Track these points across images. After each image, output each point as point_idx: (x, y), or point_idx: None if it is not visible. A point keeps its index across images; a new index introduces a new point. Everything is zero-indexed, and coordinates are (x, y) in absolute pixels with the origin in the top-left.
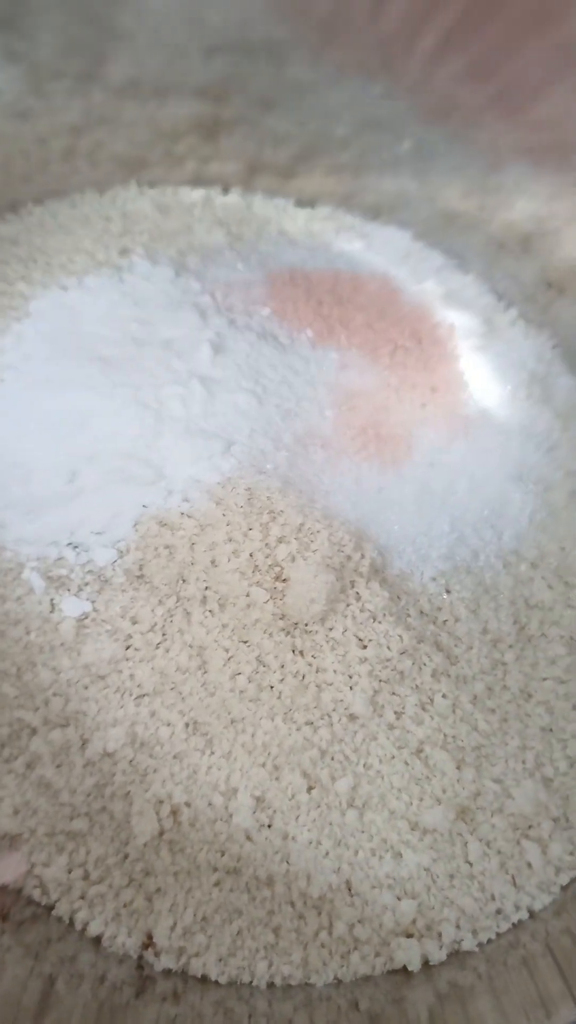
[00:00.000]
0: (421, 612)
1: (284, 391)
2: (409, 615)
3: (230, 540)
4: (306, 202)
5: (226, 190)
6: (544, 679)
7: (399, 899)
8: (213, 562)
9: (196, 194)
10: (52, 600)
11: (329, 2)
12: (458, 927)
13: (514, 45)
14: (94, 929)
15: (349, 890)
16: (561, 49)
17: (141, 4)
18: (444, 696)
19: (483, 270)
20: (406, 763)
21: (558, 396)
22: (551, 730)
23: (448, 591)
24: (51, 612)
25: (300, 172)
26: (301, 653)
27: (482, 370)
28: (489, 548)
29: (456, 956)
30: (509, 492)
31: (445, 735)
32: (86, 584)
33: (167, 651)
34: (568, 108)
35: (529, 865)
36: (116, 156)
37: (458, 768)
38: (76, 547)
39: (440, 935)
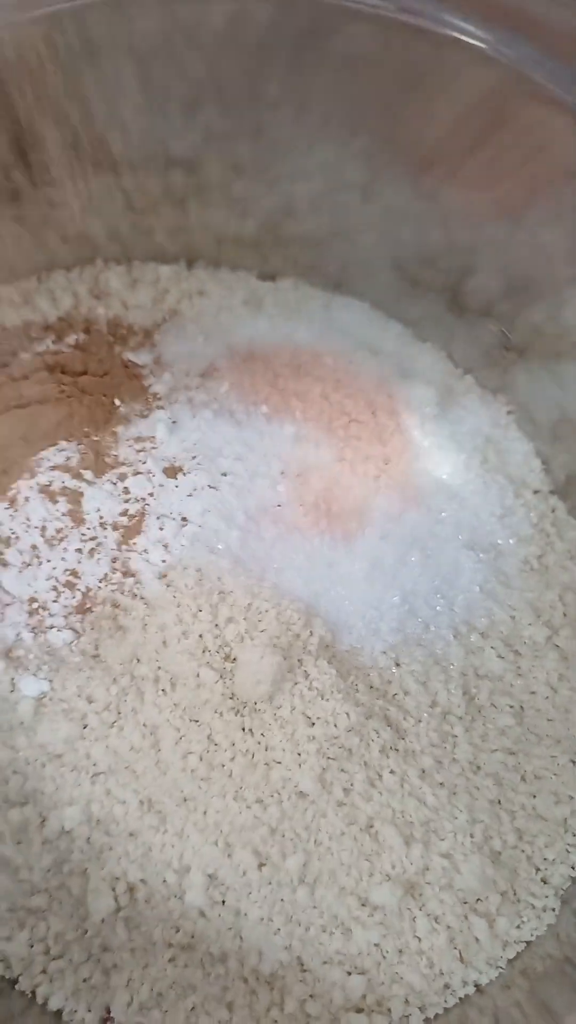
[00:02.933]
0: (371, 686)
1: (238, 467)
2: (358, 690)
3: (180, 622)
4: (268, 275)
5: (191, 264)
6: (493, 751)
7: (349, 975)
8: (164, 643)
9: (163, 270)
10: (12, 679)
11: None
12: (407, 1002)
13: None
14: (55, 1003)
15: (300, 966)
16: None
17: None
18: (392, 772)
19: (441, 337)
20: (355, 839)
21: (512, 461)
22: (499, 802)
23: (398, 664)
24: (11, 692)
25: (265, 243)
26: (251, 732)
27: (436, 439)
28: (440, 619)
29: None
30: (461, 561)
31: (394, 810)
32: (44, 664)
33: (121, 730)
34: None
35: (476, 940)
36: (85, 232)
37: (406, 844)
38: (34, 628)
39: (390, 1010)
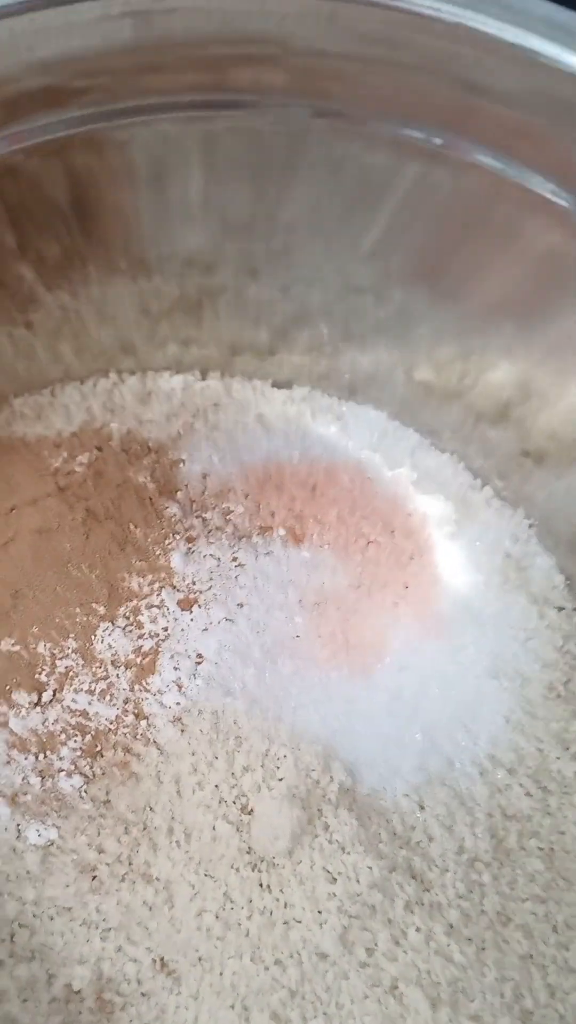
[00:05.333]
0: (393, 834)
1: (254, 600)
2: (381, 840)
3: (195, 771)
4: (283, 383)
5: (204, 375)
6: (523, 900)
7: None
8: (178, 793)
9: (175, 380)
10: (18, 826)
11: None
12: None
13: None
14: None
15: None
16: None
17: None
18: (418, 929)
19: (458, 446)
20: (379, 1002)
21: (534, 579)
22: (530, 956)
23: (422, 807)
24: (17, 839)
25: (279, 350)
26: (268, 888)
27: (456, 559)
28: (464, 754)
29: None
30: (484, 690)
31: (419, 970)
32: (52, 811)
33: (133, 884)
34: None
35: None
36: (99, 342)
37: (433, 1006)
38: (42, 772)
39: None
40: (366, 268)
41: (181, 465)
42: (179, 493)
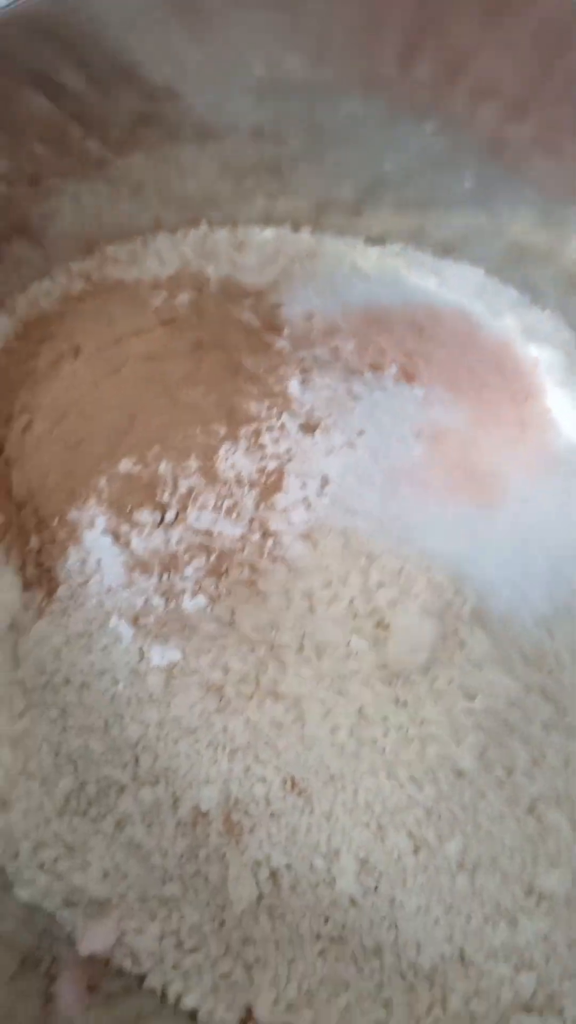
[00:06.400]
0: (525, 659)
1: (372, 428)
2: (514, 662)
3: (328, 585)
4: (376, 240)
5: (296, 228)
6: None
7: (517, 970)
8: (311, 609)
9: (268, 232)
10: (140, 649)
11: (359, 55)
12: None
13: (544, 79)
14: (189, 1002)
15: (463, 960)
16: None
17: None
18: (556, 750)
19: (559, 305)
20: (519, 822)
21: None
22: None
23: (552, 635)
24: (139, 662)
25: (367, 209)
26: (404, 705)
27: (568, 404)
28: None
29: None
30: None
31: (559, 792)
32: (175, 632)
33: (261, 702)
34: None
35: None
36: (185, 196)
37: (574, 828)
38: (164, 594)
39: (562, 1010)
40: (435, 144)
41: (282, 308)
42: (285, 330)
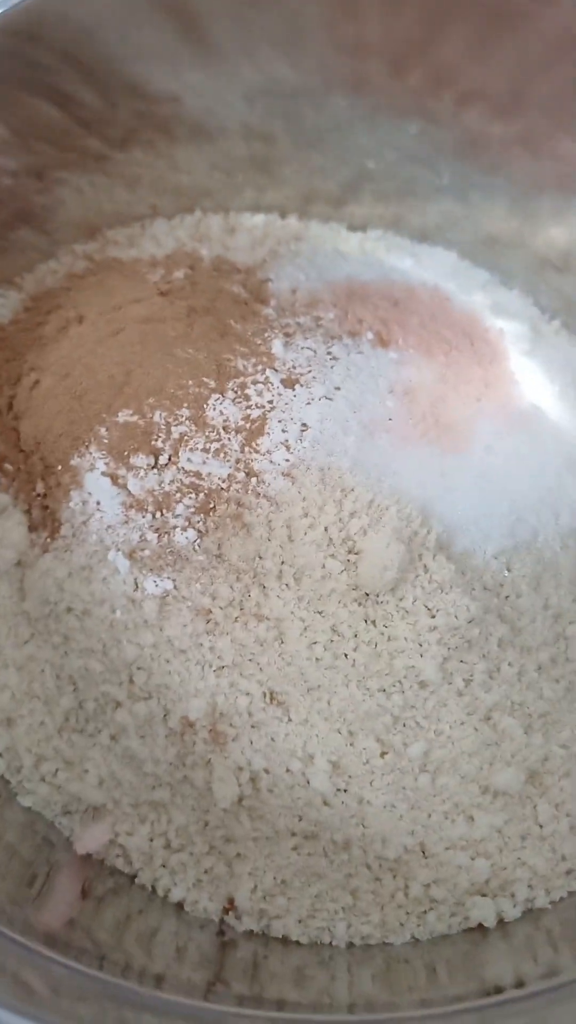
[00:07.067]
0: (485, 587)
1: (349, 384)
2: (474, 588)
3: (306, 515)
4: (358, 227)
5: (284, 216)
6: None
7: (473, 859)
8: (289, 537)
9: (257, 218)
10: (136, 580)
11: (350, 65)
12: (530, 886)
13: (532, 86)
14: (176, 895)
15: (424, 852)
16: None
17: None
18: (510, 664)
19: (527, 286)
20: (476, 728)
21: None
22: None
23: (509, 569)
24: (135, 591)
25: (350, 200)
26: (374, 623)
27: (531, 370)
28: (548, 529)
29: (530, 914)
30: (564, 479)
31: (513, 702)
32: (168, 564)
33: (246, 623)
34: None
35: None
36: (179, 188)
37: (526, 733)
38: (158, 530)
39: (513, 895)
40: (416, 144)
41: (269, 283)
42: (272, 301)
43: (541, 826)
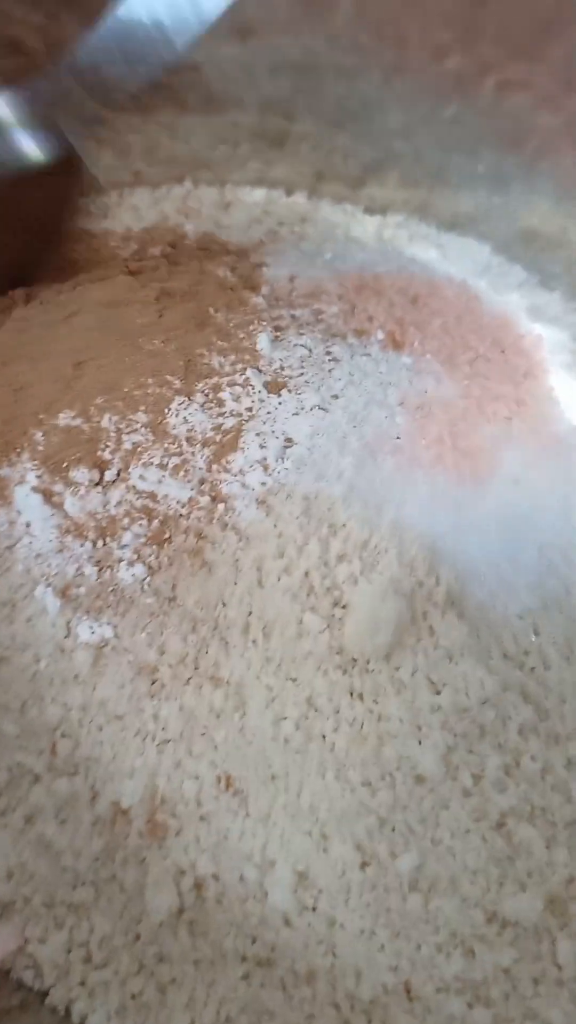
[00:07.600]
0: (505, 656)
1: (350, 392)
2: (491, 656)
3: (281, 555)
4: (376, 210)
5: (290, 192)
6: None
7: (470, 1007)
8: (259, 582)
9: (258, 193)
10: (68, 623)
11: (391, 45)
12: None
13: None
14: (94, 1022)
15: (408, 993)
16: None
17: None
18: (533, 759)
19: (571, 289)
20: (484, 839)
21: None
22: None
23: (537, 632)
24: (65, 637)
25: (370, 181)
26: (360, 697)
27: (573, 388)
28: None
29: None
30: None
31: (533, 806)
32: (108, 606)
33: (199, 688)
34: None
35: None
36: (173, 157)
37: (548, 847)
38: (99, 562)
39: None
40: (453, 128)
41: (264, 268)
42: (264, 288)
43: (560, 967)
